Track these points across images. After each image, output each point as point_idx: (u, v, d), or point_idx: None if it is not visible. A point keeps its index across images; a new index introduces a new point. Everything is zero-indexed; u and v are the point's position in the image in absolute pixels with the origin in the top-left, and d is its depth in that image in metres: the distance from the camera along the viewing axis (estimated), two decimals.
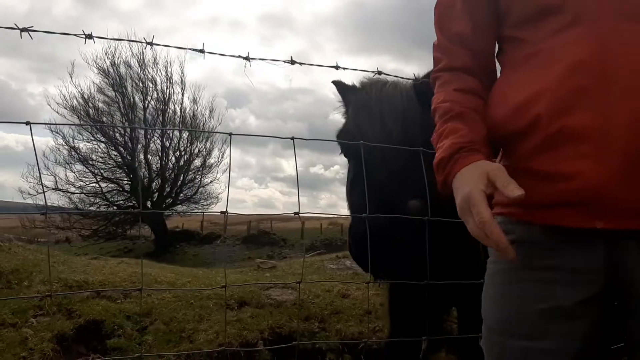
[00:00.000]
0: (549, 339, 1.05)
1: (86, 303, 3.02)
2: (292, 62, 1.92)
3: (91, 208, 19.02)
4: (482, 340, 1.20)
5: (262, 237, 20.95)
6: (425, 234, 1.98)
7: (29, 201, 18.25)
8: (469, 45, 1.23)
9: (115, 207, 19.45)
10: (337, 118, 2.32)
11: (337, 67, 2.02)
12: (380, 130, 2.10)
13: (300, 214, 1.93)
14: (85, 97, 19.07)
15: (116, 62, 19.54)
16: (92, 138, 19.02)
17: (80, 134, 18.89)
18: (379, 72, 2.10)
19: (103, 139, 19.13)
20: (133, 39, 18.70)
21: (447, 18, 1.29)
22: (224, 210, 1.82)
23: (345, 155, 2.25)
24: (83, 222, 18.63)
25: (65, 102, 18.82)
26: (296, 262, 4.37)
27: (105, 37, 1.62)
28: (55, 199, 18.61)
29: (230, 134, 1.79)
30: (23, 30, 1.51)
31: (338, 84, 2.30)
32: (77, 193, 18.92)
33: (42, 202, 17.76)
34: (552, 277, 1.06)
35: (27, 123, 1.55)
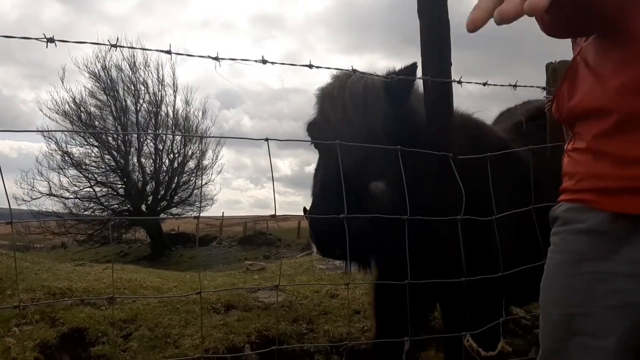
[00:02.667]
0: (611, 338, 1.00)
1: (70, 311, 2.98)
2: (264, 61, 1.88)
3: (86, 213, 18.96)
4: (541, 333, 1.16)
5: (258, 237, 20.89)
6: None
7: (23, 207, 18.18)
8: None
9: (110, 211, 19.38)
10: None
11: (310, 66, 1.98)
12: (342, 115, 2.15)
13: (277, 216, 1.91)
14: (77, 101, 19.02)
15: (107, 65, 19.49)
16: (85, 142, 18.95)
17: (73, 139, 18.83)
18: (354, 71, 2.07)
19: (96, 144, 19.05)
20: (122, 43, 18.61)
21: None
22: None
23: (315, 147, 2.31)
24: (78, 227, 18.57)
25: (57, 107, 18.77)
26: (285, 263, 4.33)
27: (68, 40, 1.58)
28: (49, 205, 18.56)
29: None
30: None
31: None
32: (71, 198, 18.86)
33: (36, 209, 17.73)
34: (624, 269, 1.00)
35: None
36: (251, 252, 17.47)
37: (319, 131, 2.23)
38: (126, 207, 19.59)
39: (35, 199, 18.18)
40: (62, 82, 21.95)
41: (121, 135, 19.08)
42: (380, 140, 2.10)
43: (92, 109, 19.31)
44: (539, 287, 1.31)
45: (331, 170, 2.04)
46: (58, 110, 18.76)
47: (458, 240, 2.19)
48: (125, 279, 3.45)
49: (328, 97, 2.22)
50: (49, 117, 18.97)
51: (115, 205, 19.80)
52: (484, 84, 2.38)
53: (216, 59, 1.81)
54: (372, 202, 2.05)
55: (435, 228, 2.23)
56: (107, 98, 19.44)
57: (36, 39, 1.51)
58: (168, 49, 1.71)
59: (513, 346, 3.42)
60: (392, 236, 2.10)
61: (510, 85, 2.41)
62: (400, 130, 2.20)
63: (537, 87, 2.63)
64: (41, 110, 19.25)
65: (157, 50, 1.75)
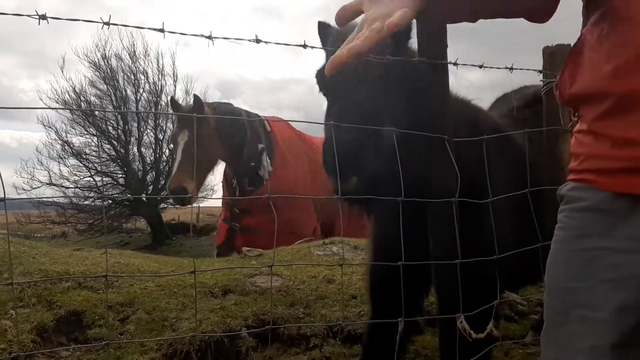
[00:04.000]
0: (607, 310, 1.04)
1: (67, 294, 2.99)
2: (257, 40, 1.88)
3: (86, 202, 18.98)
4: (545, 308, 1.22)
5: None
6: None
7: (24, 196, 18.18)
8: None
9: (110, 201, 19.38)
10: None
11: (304, 46, 1.98)
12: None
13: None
14: (77, 91, 18.97)
15: (107, 54, 19.41)
16: (85, 132, 18.93)
17: (73, 128, 18.81)
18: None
19: (96, 133, 19.03)
20: (121, 35, 18.51)
21: None
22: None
23: (322, 91, 2.30)
24: (78, 216, 18.58)
25: (57, 96, 18.72)
26: (282, 250, 4.34)
27: (60, 17, 1.58)
28: (50, 194, 18.57)
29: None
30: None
31: (321, 25, 2.37)
32: (71, 187, 18.86)
33: (36, 198, 17.72)
34: (621, 245, 1.05)
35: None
36: None
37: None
38: (126, 197, 19.60)
39: (35, 188, 18.19)
40: (62, 71, 22.00)
41: (121, 125, 19.07)
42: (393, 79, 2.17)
43: (92, 98, 19.26)
44: (533, 271, 1.35)
45: (347, 109, 2.07)
46: (58, 99, 18.71)
47: (453, 221, 2.20)
48: (123, 263, 3.46)
49: (342, 37, 2.27)
50: (49, 107, 18.95)
51: (116, 195, 19.80)
52: (480, 67, 2.38)
53: (209, 37, 1.81)
54: (387, 144, 2.06)
55: (430, 208, 2.24)
56: (107, 87, 19.39)
57: (28, 15, 1.50)
58: (161, 28, 1.71)
59: (509, 331, 3.44)
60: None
61: (506, 67, 2.40)
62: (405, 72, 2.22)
63: (534, 70, 2.64)
64: (41, 100, 19.19)
65: (150, 29, 1.75)
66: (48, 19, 1.54)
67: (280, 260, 3.90)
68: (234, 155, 6.08)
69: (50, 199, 18.07)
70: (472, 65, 2.35)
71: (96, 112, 18.64)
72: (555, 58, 2.74)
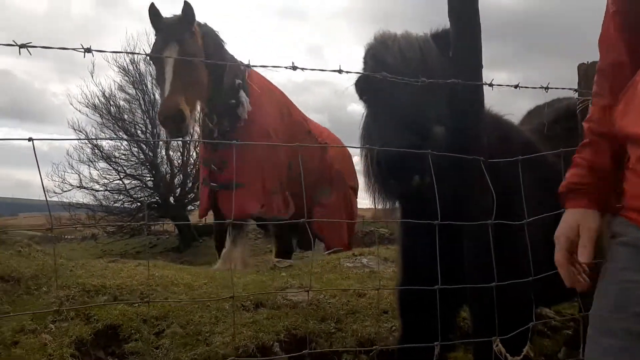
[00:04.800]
0: (630, 340, 1.14)
1: (104, 308, 3.05)
2: (294, 67, 1.90)
3: (115, 205, 19.25)
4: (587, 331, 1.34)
5: None
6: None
7: (55, 199, 18.55)
8: (625, 72, 1.37)
9: (138, 203, 19.63)
10: (356, 109, 2.43)
11: (340, 72, 2.00)
12: (401, 60, 2.22)
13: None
14: (107, 95, 19.23)
15: (135, 59, 19.65)
16: (115, 135, 19.20)
17: (103, 132, 19.09)
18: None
19: (125, 137, 19.29)
20: (149, 37, 18.75)
21: (605, 44, 1.48)
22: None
23: (363, 98, 2.37)
24: (108, 218, 18.86)
25: (87, 100, 19.01)
26: (312, 260, 4.36)
27: (105, 50, 1.62)
28: (80, 197, 18.89)
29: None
30: (22, 46, 1.52)
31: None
32: (101, 190, 19.14)
33: (67, 200, 18.06)
34: None
35: (30, 139, 1.56)
36: None
37: (374, 81, 2.21)
38: (155, 199, 19.84)
39: (66, 191, 18.50)
40: (92, 76, 22.22)
41: (150, 128, 19.30)
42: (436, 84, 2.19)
43: (121, 102, 19.49)
44: (567, 289, 1.43)
45: (393, 113, 2.13)
46: (88, 103, 18.99)
47: (488, 243, 2.19)
48: (157, 275, 3.51)
49: (382, 46, 2.28)
50: (79, 111, 19.22)
51: (144, 198, 20.04)
52: (515, 87, 2.37)
53: (247, 66, 1.84)
54: (435, 144, 2.11)
55: (466, 229, 2.24)
56: (135, 92, 19.62)
57: (73, 49, 1.55)
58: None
59: (542, 347, 3.41)
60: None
61: (542, 87, 2.39)
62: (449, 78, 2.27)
63: (569, 89, 2.62)
64: (71, 104, 19.54)
65: (186, 58, 1.78)
66: (93, 52, 1.58)
67: (310, 273, 3.93)
68: (216, 85, 4.92)
69: (90, 204, 18.35)
70: (508, 85, 2.34)
71: (125, 117, 18.90)
72: (591, 76, 2.70)
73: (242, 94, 5.07)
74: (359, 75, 2.23)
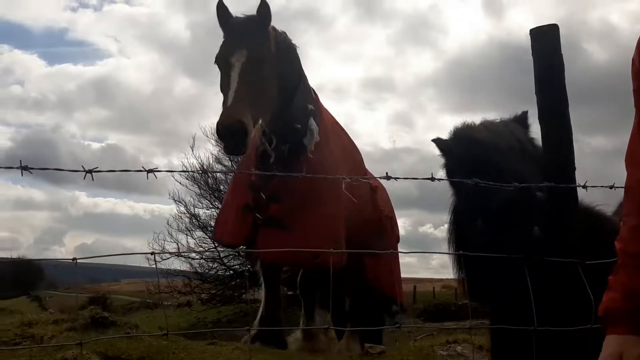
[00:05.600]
0: None
1: None
2: (388, 177, 2.01)
3: (210, 272, 19.90)
4: None
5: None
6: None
7: (154, 266, 19.40)
8: None
9: (231, 272, 20.15)
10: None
11: (432, 179, 2.09)
12: (495, 135, 2.30)
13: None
14: (205, 167, 20.28)
15: None
16: (211, 205, 20.07)
17: (200, 202, 20.09)
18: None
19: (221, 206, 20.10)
20: None
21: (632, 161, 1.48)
22: None
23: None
24: (202, 286, 19.47)
25: (187, 173, 20.09)
26: (405, 346, 4.32)
27: (162, 169, 1.81)
28: (177, 265, 19.67)
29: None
30: (88, 171, 1.75)
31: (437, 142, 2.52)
32: (197, 258, 19.88)
33: (165, 267, 18.85)
34: None
35: (74, 260, 1.75)
36: None
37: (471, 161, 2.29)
38: (247, 267, 20.31)
39: (165, 259, 19.37)
40: (192, 150, 23.59)
41: None
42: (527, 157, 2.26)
43: (218, 174, 20.51)
44: None
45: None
46: (187, 175, 20.15)
47: (587, 351, 2.13)
48: None
49: (474, 128, 2.42)
50: (179, 182, 20.39)
51: (237, 266, 20.56)
52: (611, 187, 2.34)
53: (343, 179, 1.97)
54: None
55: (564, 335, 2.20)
56: (231, 164, 20.58)
57: (136, 170, 1.74)
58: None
59: None
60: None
61: None
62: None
63: None
64: (172, 177, 20.77)
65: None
66: (154, 172, 1.76)
67: None
68: (284, 103, 4.14)
69: (186, 271, 19.06)
70: (602, 186, 2.33)
71: (221, 188, 19.73)
72: None
73: (313, 121, 4.35)
74: (447, 178, 2.30)
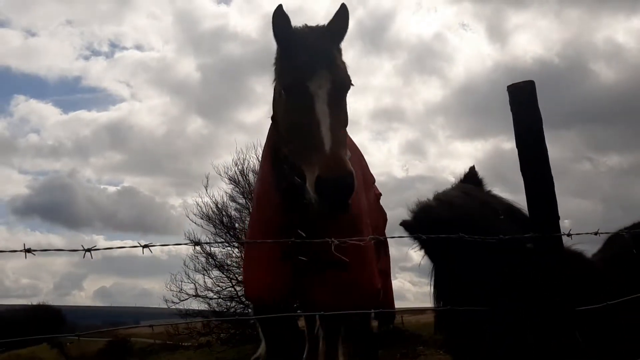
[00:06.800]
0: None
1: None
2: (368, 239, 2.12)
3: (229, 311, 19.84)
4: None
5: (394, 333, 20.48)
6: None
7: (173, 308, 19.43)
8: None
9: (249, 310, 20.06)
10: None
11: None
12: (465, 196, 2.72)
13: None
14: (220, 206, 20.45)
15: (245, 170, 20.90)
16: (227, 245, 20.15)
17: (216, 241, 20.15)
18: (461, 236, 2.26)
19: (237, 245, 20.18)
20: (255, 155, 19.85)
21: None
22: None
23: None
24: (221, 326, 19.42)
25: (201, 212, 20.30)
26: None
27: (157, 244, 1.95)
28: (195, 305, 19.67)
29: None
30: (87, 250, 1.88)
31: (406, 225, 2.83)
32: (214, 298, 19.86)
33: (183, 308, 18.85)
34: None
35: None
36: (388, 350, 17.14)
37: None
38: None
39: (183, 300, 19.38)
40: (206, 190, 23.82)
41: None
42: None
43: (233, 212, 20.65)
44: None
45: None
46: (202, 215, 20.32)
47: None
48: None
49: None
50: (195, 222, 20.53)
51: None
52: (595, 234, 2.43)
53: (332, 241, 2.08)
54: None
55: None
56: (245, 201, 20.72)
57: (132, 246, 1.88)
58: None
59: None
60: None
61: (620, 232, 2.43)
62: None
63: None
64: (187, 217, 20.91)
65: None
66: (150, 247, 1.89)
67: None
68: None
69: (204, 311, 19.10)
70: (587, 233, 2.42)
71: (237, 226, 19.86)
72: None
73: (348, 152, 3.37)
74: (435, 236, 2.42)
